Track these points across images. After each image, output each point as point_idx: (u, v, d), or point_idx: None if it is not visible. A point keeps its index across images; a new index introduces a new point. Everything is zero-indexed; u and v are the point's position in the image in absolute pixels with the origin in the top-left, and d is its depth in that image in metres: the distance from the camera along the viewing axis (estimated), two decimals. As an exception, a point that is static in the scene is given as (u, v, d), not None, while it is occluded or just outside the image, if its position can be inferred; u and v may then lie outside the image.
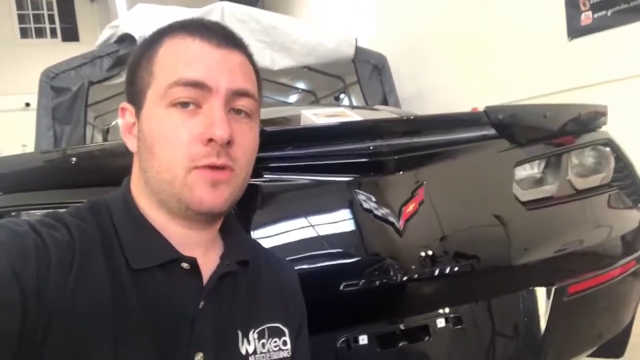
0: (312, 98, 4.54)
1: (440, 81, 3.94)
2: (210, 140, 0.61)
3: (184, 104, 0.62)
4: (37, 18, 8.58)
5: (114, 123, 3.65)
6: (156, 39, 0.67)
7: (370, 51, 3.84)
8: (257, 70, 0.71)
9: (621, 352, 1.46)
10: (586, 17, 2.79)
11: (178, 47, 0.65)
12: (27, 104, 7.08)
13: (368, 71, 3.84)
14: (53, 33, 8.68)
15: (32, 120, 3.21)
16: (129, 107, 0.68)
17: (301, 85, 4.43)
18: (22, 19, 8.50)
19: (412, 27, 4.35)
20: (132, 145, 0.68)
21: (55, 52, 5.01)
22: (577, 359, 1.32)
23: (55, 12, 8.62)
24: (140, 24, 3.05)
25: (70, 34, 8.60)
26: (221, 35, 0.66)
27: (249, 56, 0.70)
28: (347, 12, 5.43)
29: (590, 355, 1.42)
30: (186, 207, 0.63)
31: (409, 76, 4.06)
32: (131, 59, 0.69)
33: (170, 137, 0.62)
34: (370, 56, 3.83)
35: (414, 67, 4.11)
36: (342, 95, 4.25)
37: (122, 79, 3.30)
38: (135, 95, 0.66)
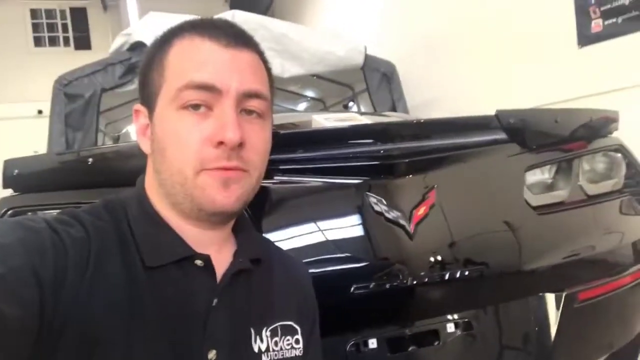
0: (321, 106, 4.56)
1: (448, 89, 3.94)
2: (221, 143, 0.61)
3: (195, 107, 0.62)
4: (51, 27, 8.73)
5: (124, 130, 3.69)
6: (166, 40, 0.67)
7: (379, 59, 3.86)
8: (268, 67, 0.71)
9: (632, 363, 1.44)
10: (596, 25, 2.78)
11: (188, 48, 0.65)
12: (40, 112, 7.16)
13: (377, 79, 3.86)
14: (66, 42, 8.81)
15: (44, 128, 3.24)
16: (143, 110, 0.69)
17: (310, 93, 4.45)
18: (35, 28, 8.65)
19: (421, 36, 4.36)
20: (145, 147, 0.69)
21: (68, 60, 5.07)
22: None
23: (69, 21, 8.76)
24: (152, 31, 3.08)
25: (83, 43, 8.72)
26: (231, 35, 0.65)
27: (260, 54, 0.69)
28: (357, 20, 5.46)
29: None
30: (199, 209, 0.64)
31: (418, 84, 4.06)
32: (143, 61, 0.69)
33: (181, 139, 0.62)
34: (380, 64, 3.84)
35: (422, 75, 4.12)
36: (350, 104, 4.27)
37: (134, 86, 3.34)
38: (147, 97, 0.67)
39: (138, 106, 0.70)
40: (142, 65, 0.69)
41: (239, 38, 0.66)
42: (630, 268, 1.27)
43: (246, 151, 0.64)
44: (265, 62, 0.70)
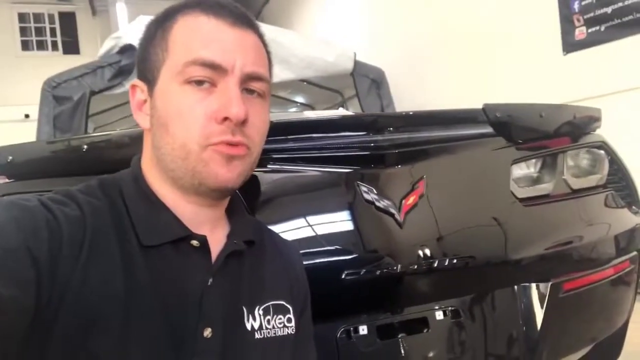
0: (311, 111, 4.60)
1: (436, 95, 3.99)
2: (226, 118, 0.62)
3: (199, 82, 0.63)
4: (39, 31, 8.67)
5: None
6: (170, 16, 0.67)
7: (368, 65, 3.91)
8: (268, 51, 0.72)
9: (615, 357, 1.47)
10: (580, 32, 2.85)
11: (193, 24, 0.65)
12: (27, 116, 7.11)
13: (366, 85, 3.90)
14: (54, 46, 8.75)
15: (32, 132, 3.22)
16: (140, 84, 0.69)
17: (300, 99, 4.48)
18: (23, 31, 8.59)
19: (410, 43, 4.42)
20: (143, 122, 0.69)
21: (56, 64, 5.04)
22: (571, 357, 1.32)
23: (57, 26, 8.72)
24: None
25: (71, 47, 8.69)
26: (235, 14, 0.67)
27: (261, 37, 0.71)
28: (347, 26, 5.51)
29: (585, 359, 1.42)
30: (199, 183, 0.64)
31: (407, 90, 4.12)
32: (143, 36, 0.69)
33: (185, 114, 0.63)
34: (369, 70, 3.89)
35: (411, 82, 4.18)
36: (340, 109, 4.32)
37: (123, 89, 3.34)
38: (147, 71, 0.67)
39: (135, 81, 0.70)
40: (142, 40, 0.69)
41: (243, 18, 0.67)
42: (613, 260, 1.30)
43: (248, 128, 0.65)
44: (265, 45, 0.72)
